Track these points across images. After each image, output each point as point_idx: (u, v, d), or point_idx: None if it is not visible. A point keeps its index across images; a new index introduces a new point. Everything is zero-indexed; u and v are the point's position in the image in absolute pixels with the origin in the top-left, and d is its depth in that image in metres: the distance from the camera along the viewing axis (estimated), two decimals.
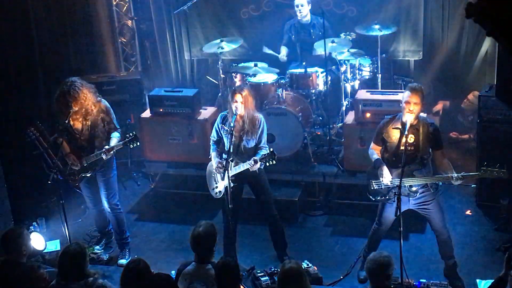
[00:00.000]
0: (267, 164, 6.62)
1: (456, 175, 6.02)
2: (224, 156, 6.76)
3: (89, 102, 6.78)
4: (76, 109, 6.73)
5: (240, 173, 6.73)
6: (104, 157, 6.82)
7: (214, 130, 7.00)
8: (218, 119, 6.96)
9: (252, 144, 6.80)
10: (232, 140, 6.68)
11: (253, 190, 7.08)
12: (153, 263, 5.41)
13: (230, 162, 6.62)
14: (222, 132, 6.88)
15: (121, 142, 6.87)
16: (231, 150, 6.69)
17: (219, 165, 6.81)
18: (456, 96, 9.52)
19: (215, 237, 5.55)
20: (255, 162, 6.58)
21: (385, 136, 6.39)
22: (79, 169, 6.98)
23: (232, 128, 6.66)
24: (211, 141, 7.05)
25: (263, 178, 7.00)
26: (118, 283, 5.39)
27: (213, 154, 6.98)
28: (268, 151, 6.60)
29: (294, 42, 9.25)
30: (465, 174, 6.06)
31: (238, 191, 6.90)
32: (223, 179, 6.74)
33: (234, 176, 6.71)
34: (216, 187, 6.93)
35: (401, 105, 6.25)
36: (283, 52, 9.24)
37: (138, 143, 6.93)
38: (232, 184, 6.63)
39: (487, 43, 9.11)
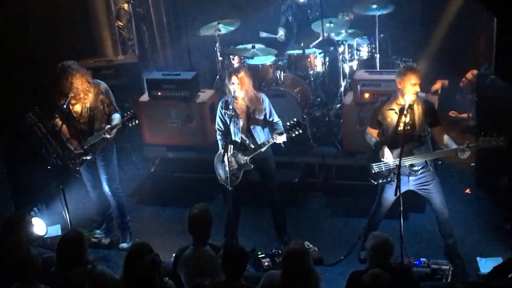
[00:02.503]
0: (294, 134, 6.57)
1: (462, 146, 6.03)
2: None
3: (84, 85, 6.76)
4: (73, 94, 6.71)
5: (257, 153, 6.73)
6: (108, 136, 6.79)
7: (218, 118, 6.94)
8: (220, 105, 6.92)
9: (260, 117, 6.79)
10: (237, 125, 6.69)
11: (260, 172, 7.07)
12: (154, 246, 5.41)
13: (231, 146, 6.64)
14: (225, 117, 6.85)
15: (119, 121, 6.84)
16: (238, 135, 6.70)
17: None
18: (454, 75, 9.50)
19: (211, 218, 5.55)
20: (280, 134, 6.56)
21: (380, 118, 6.39)
22: (80, 153, 6.98)
23: (233, 111, 6.64)
24: (218, 133, 6.96)
25: (271, 162, 7.01)
26: (119, 266, 5.39)
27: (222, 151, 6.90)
28: (292, 122, 6.55)
29: (291, 23, 9.21)
30: (469, 144, 6.06)
31: (247, 173, 6.91)
32: (237, 162, 6.74)
33: (253, 158, 6.71)
34: (233, 173, 6.85)
35: (399, 86, 6.21)
36: (281, 32, 9.21)
37: (137, 121, 6.90)
38: (251, 166, 6.70)
39: (485, 21, 9.07)
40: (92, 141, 6.90)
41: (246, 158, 6.75)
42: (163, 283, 5.16)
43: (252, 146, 6.74)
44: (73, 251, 5.31)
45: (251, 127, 6.78)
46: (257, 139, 6.77)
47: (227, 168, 6.54)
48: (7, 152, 7.54)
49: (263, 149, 6.74)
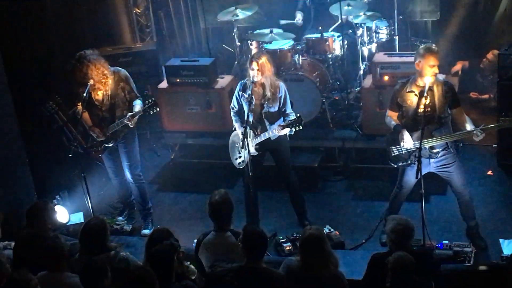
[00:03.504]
0: (294, 130, 6.54)
1: (476, 129, 5.98)
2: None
3: (99, 76, 6.76)
4: (92, 82, 6.74)
5: (263, 140, 6.73)
6: (129, 123, 6.82)
7: (234, 99, 6.95)
8: (238, 87, 6.92)
9: (273, 109, 6.78)
10: (252, 108, 6.67)
11: (274, 156, 7.08)
12: (175, 232, 5.45)
13: (250, 131, 6.64)
14: (242, 100, 6.85)
15: (141, 109, 6.85)
16: (250, 118, 6.69)
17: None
18: (475, 56, 9.40)
19: (231, 204, 5.57)
20: (282, 128, 6.56)
21: (400, 101, 6.35)
22: (102, 140, 7.02)
23: (250, 96, 6.64)
24: (232, 111, 6.99)
25: (284, 145, 6.98)
26: (142, 252, 5.44)
27: (237, 125, 6.94)
28: (295, 117, 6.55)
29: (308, 7, 9.16)
30: (484, 126, 6.01)
31: (259, 160, 6.90)
32: (244, 147, 6.73)
33: (259, 144, 6.72)
34: (240, 156, 6.92)
35: (418, 68, 6.16)
36: (299, 16, 9.16)
37: (158, 109, 6.93)
38: (256, 153, 6.66)
39: (505, 0, 8.96)
40: (114, 128, 6.94)
41: (252, 144, 6.75)
42: (185, 267, 5.21)
43: (259, 132, 6.74)
44: (96, 238, 5.36)
45: (264, 114, 6.77)
46: (267, 127, 6.76)
47: (245, 153, 6.54)
48: (29, 141, 7.60)
49: (266, 137, 6.71)
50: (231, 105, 7.00)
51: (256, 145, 6.73)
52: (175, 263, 4.98)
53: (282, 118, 6.80)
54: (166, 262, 4.91)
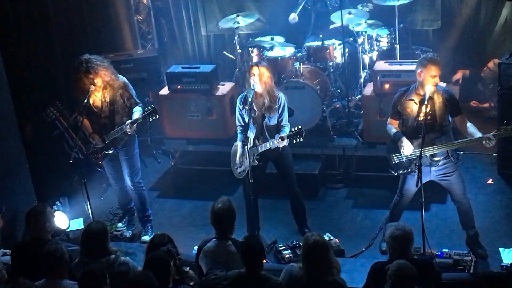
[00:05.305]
0: (294, 141, 6.55)
1: (487, 135, 5.96)
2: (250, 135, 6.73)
3: (109, 76, 6.81)
4: (99, 84, 6.76)
5: (265, 151, 6.73)
6: (128, 130, 6.83)
7: (237, 114, 6.88)
8: (238, 102, 6.86)
9: (274, 121, 6.76)
10: (253, 116, 6.66)
11: (277, 166, 7.07)
12: (175, 239, 5.45)
13: (254, 140, 6.67)
14: (243, 112, 6.81)
15: (140, 116, 6.86)
16: (252, 129, 6.70)
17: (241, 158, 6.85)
18: (475, 64, 9.41)
19: (234, 213, 5.56)
20: (282, 139, 6.55)
21: (400, 109, 6.36)
22: (102, 147, 7.03)
23: (251, 104, 6.63)
24: (238, 128, 6.91)
25: (287, 155, 6.98)
26: (141, 259, 5.44)
27: (239, 144, 6.89)
28: (296, 128, 6.54)
29: (309, 12, 9.17)
30: (489, 134, 6.00)
31: (261, 168, 6.90)
32: (246, 157, 6.72)
33: (260, 154, 6.72)
34: (241, 166, 6.91)
35: (419, 77, 6.17)
36: (293, 15, 9.13)
37: (158, 116, 6.93)
38: (256, 163, 6.67)
39: (506, 10, 8.98)
40: (113, 135, 6.95)
41: (253, 154, 6.74)
42: (184, 273, 5.21)
43: (261, 143, 6.74)
44: (96, 242, 5.37)
45: (265, 125, 6.77)
46: (268, 137, 6.75)
47: (246, 160, 6.54)
48: (29, 147, 7.61)
49: (267, 147, 6.70)
50: (236, 122, 6.93)
51: (257, 155, 6.72)
52: (172, 269, 4.99)
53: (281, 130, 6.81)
54: (162, 268, 4.92)
